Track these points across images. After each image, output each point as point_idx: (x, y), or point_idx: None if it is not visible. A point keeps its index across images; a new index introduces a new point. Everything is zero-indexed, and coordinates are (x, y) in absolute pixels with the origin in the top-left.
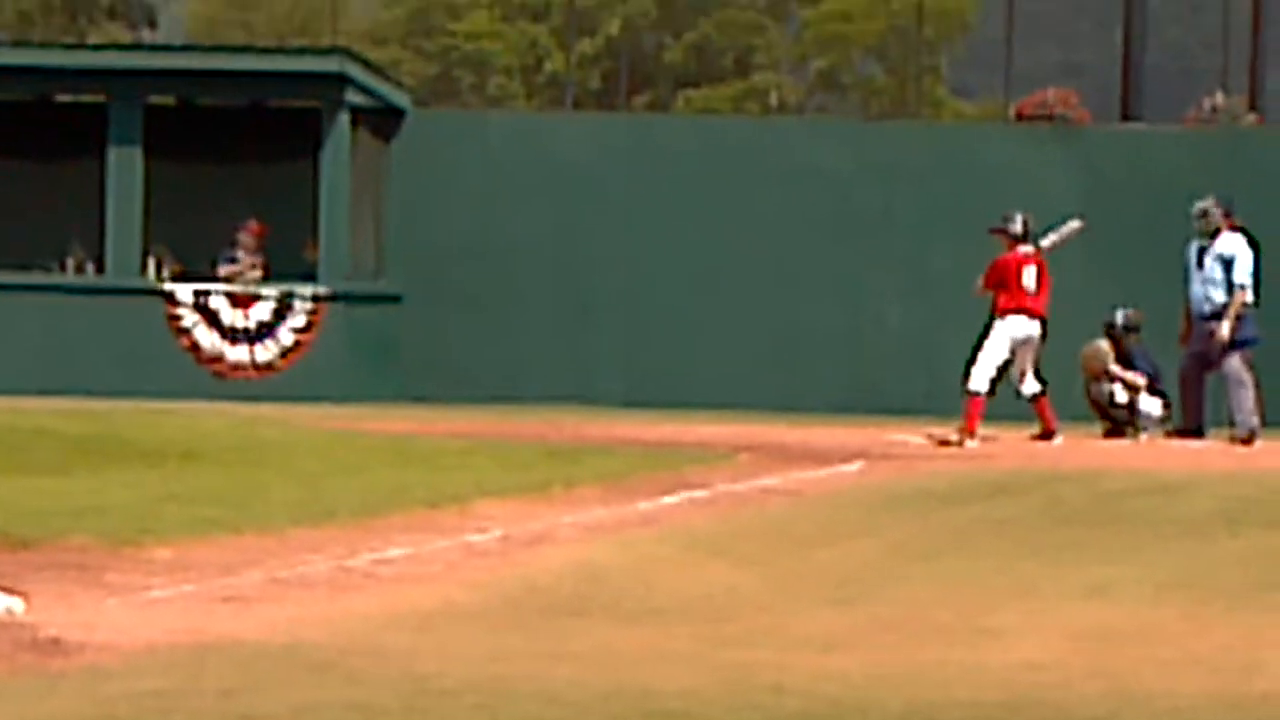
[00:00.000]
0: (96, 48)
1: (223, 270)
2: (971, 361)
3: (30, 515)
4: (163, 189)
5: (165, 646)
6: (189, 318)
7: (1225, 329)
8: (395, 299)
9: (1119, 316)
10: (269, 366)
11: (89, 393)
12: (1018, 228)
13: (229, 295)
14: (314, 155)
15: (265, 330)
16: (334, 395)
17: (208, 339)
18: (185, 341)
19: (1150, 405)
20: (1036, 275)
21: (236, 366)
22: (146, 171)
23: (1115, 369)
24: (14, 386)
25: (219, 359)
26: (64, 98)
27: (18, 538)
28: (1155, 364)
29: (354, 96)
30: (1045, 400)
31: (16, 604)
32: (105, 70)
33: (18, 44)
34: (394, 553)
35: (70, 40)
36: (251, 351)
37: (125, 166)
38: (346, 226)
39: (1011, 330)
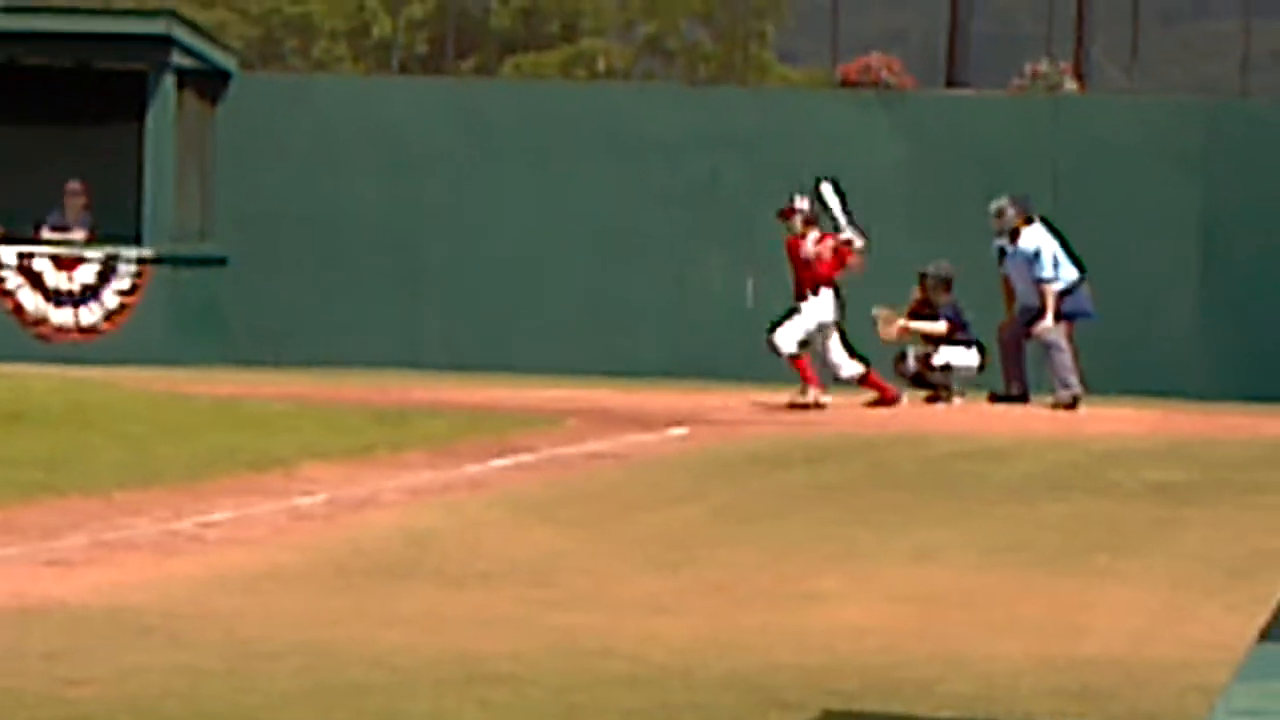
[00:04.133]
0: None
1: (47, 233)
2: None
3: None
4: None
5: None
6: (12, 280)
7: (1045, 325)
8: (221, 261)
9: (930, 267)
10: (94, 329)
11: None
12: (805, 206)
13: (53, 258)
14: (139, 117)
15: (90, 293)
16: (159, 358)
17: (31, 301)
18: (9, 304)
19: (964, 358)
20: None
21: (61, 329)
22: None
23: (907, 322)
24: None
25: (43, 321)
26: None
27: None
28: (964, 317)
29: (180, 59)
30: (873, 372)
31: None
32: None
33: None
34: (219, 516)
35: None
36: (76, 314)
37: None
38: (172, 189)
39: (828, 303)
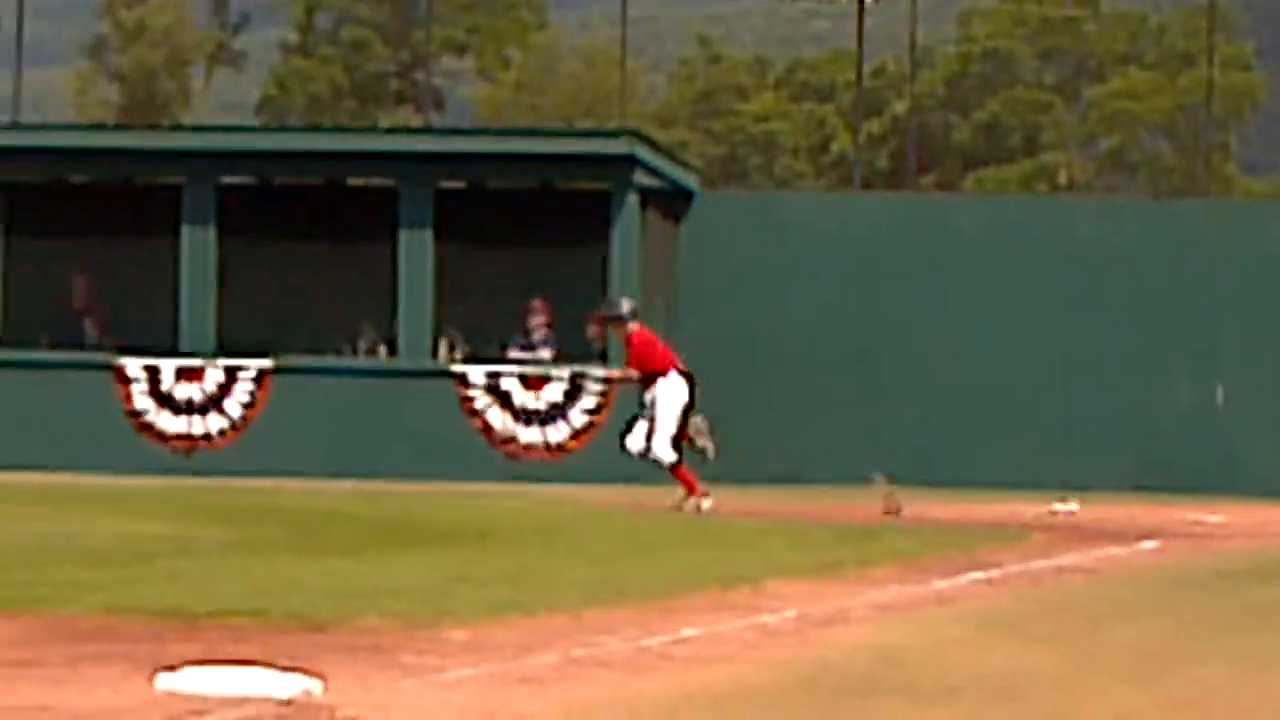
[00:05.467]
0: (387, 132)
1: (514, 352)
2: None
3: (325, 597)
4: (453, 271)
5: None
6: (481, 399)
7: None
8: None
9: None
10: (561, 448)
11: (380, 475)
12: (624, 310)
13: (521, 377)
14: (603, 237)
15: (557, 411)
16: (625, 476)
17: (500, 420)
18: (478, 423)
19: None
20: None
21: (529, 447)
22: (437, 254)
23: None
24: (307, 470)
25: (512, 440)
26: (355, 181)
27: (314, 620)
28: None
29: (643, 178)
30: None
31: (315, 685)
32: (396, 154)
33: (310, 129)
34: (688, 633)
35: (361, 125)
36: (544, 433)
37: (416, 249)
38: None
39: (677, 391)
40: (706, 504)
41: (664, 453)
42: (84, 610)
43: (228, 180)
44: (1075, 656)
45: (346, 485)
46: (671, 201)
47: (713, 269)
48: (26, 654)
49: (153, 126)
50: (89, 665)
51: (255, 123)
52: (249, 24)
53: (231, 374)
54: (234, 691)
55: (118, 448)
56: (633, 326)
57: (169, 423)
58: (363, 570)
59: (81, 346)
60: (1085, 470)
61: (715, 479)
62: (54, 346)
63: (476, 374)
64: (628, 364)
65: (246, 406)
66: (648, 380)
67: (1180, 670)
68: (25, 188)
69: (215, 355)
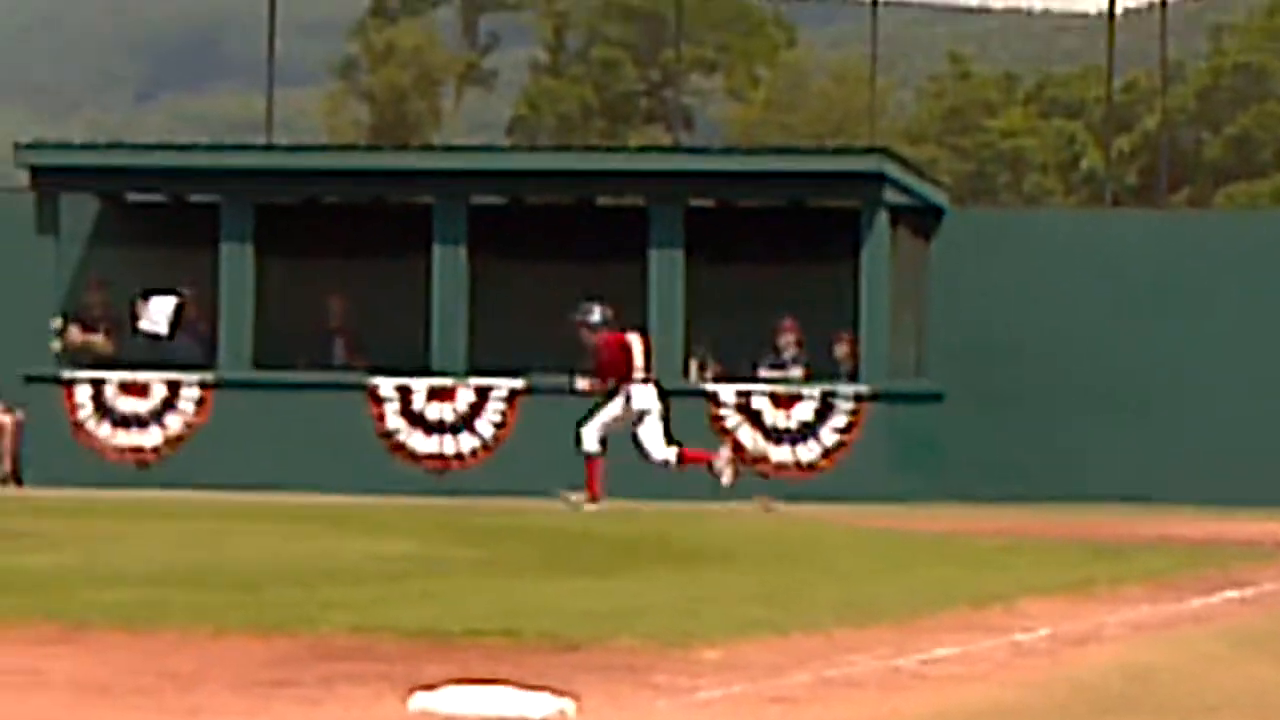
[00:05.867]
0: (638, 151)
1: (764, 371)
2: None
3: (577, 617)
4: (703, 290)
5: None
6: (732, 418)
7: None
8: (937, 397)
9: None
10: (812, 466)
11: (631, 495)
12: (595, 317)
13: (771, 396)
14: (852, 254)
15: (808, 430)
16: (876, 495)
17: (750, 439)
18: (729, 442)
19: None
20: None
21: (780, 466)
22: (688, 273)
23: None
24: (556, 489)
25: (763, 459)
26: (605, 201)
27: (566, 639)
28: None
29: (893, 195)
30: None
31: (569, 706)
32: (646, 173)
33: (560, 148)
34: (940, 652)
35: (611, 144)
36: (795, 452)
37: (667, 268)
38: (887, 325)
39: (641, 399)
40: (591, 507)
41: (660, 452)
42: (338, 630)
43: (478, 200)
44: None
45: (596, 505)
46: (921, 219)
47: (963, 286)
48: (281, 674)
49: (403, 147)
50: (343, 685)
51: (505, 142)
52: (498, 44)
53: (483, 394)
54: (488, 712)
55: (370, 468)
56: (602, 335)
57: (421, 443)
58: (614, 589)
59: (330, 367)
60: None
61: (971, 498)
62: (309, 367)
63: (727, 393)
64: (596, 373)
65: (498, 426)
66: (615, 389)
67: None
68: (278, 209)
69: (466, 375)
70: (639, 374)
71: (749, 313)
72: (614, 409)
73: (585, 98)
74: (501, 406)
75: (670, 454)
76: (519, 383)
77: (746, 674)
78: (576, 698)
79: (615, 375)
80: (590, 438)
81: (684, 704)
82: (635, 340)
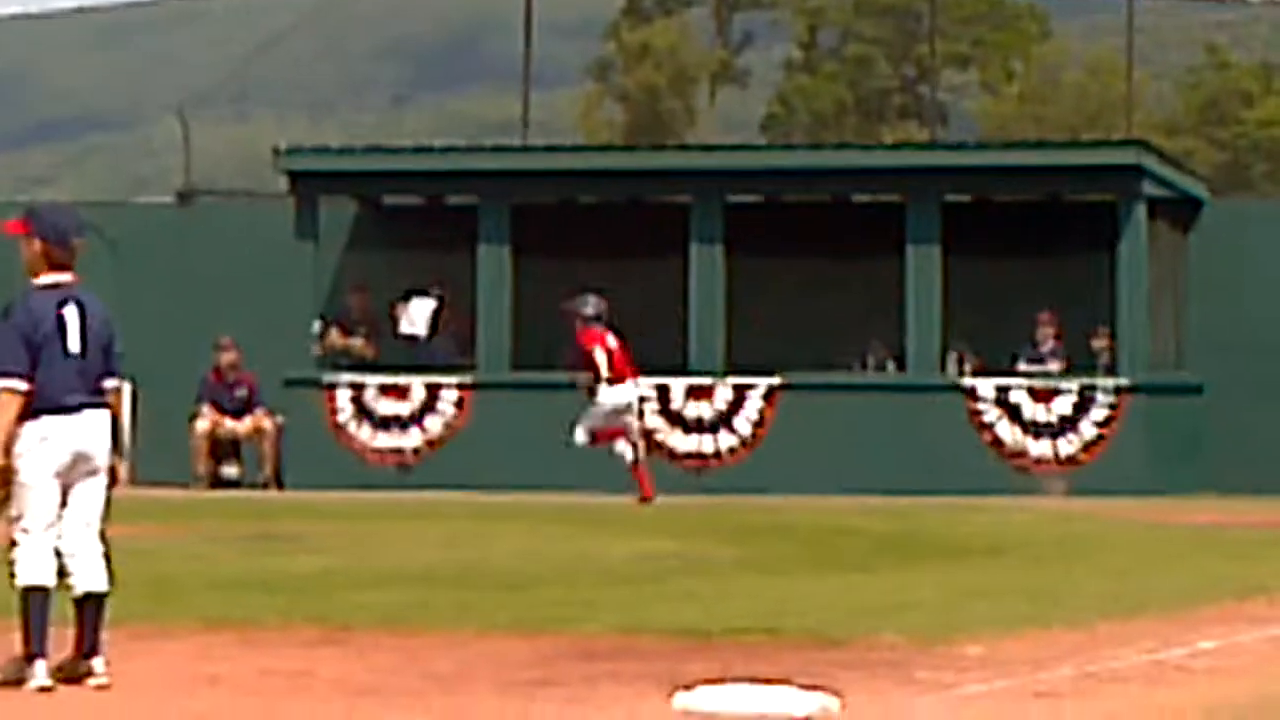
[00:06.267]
0: (893, 147)
1: (1023, 365)
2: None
3: (839, 613)
4: (960, 285)
5: None
6: (990, 413)
7: None
8: (1197, 390)
9: None
10: (1072, 460)
11: (890, 491)
12: (589, 310)
13: (1030, 390)
14: (1109, 248)
15: (1067, 424)
16: (1137, 488)
17: (1009, 433)
18: (987, 437)
19: None
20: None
21: (1040, 461)
22: (945, 268)
23: None
24: (818, 486)
25: (1022, 454)
26: (861, 198)
27: (828, 636)
28: None
29: (1150, 188)
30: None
31: (832, 702)
32: (902, 169)
33: (815, 146)
34: (1204, 645)
35: (865, 141)
36: (1054, 445)
37: (925, 264)
38: (1146, 318)
39: (616, 396)
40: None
41: (579, 435)
42: (601, 629)
43: (734, 199)
44: None
45: (855, 501)
46: (1179, 210)
47: (1222, 278)
48: (545, 673)
49: (661, 147)
50: (606, 684)
51: (759, 140)
52: (752, 42)
53: (740, 392)
54: (751, 710)
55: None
56: (583, 331)
57: (679, 441)
58: (875, 586)
59: None
60: None
61: (1231, 490)
62: (570, 368)
63: (985, 387)
64: (587, 365)
65: (755, 424)
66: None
67: None
68: (535, 209)
69: (724, 374)
70: (605, 373)
71: (1006, 307)
72: (599, 412)
73: (839, 95)
74: (759, 404)
75: (583, 439)
76: (776, 380)
77: (1009, 669)
78: (839, 695)
79: (590, 371)
80: (580, 434)
81: (946, 699)
82: (612, 342)
